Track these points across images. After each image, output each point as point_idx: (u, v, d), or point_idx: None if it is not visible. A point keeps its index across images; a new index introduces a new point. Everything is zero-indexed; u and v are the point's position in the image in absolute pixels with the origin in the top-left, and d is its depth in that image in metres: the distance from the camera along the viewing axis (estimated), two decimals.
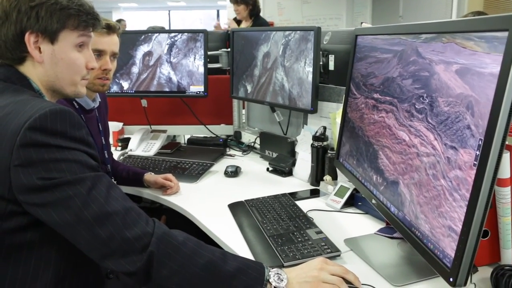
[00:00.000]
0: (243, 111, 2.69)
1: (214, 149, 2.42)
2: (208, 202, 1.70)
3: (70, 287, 1.05)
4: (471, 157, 0.83)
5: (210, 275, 0.98)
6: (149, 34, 2.31)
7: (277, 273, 1.02)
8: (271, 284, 1.00)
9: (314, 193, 1.77)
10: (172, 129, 2.59)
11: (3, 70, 1.06)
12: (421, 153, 1.02)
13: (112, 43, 1.64)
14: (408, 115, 1.10)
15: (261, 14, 4.60)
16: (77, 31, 1.08)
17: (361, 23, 2.34)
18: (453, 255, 0.87)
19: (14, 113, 0.94)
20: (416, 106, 1.05)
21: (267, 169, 2.09)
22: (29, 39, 1.03)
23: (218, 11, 16.10)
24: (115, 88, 2.32)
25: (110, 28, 1.61)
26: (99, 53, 1.60)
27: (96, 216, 0.93)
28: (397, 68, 1.19)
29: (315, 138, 1.82)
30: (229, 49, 2.48)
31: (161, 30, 2.52)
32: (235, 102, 2.61)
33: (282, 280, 1.01)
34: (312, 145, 1.83)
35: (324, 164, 1.80)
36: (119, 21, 10.35)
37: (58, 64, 1.07)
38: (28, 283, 0.98)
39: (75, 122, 0.97)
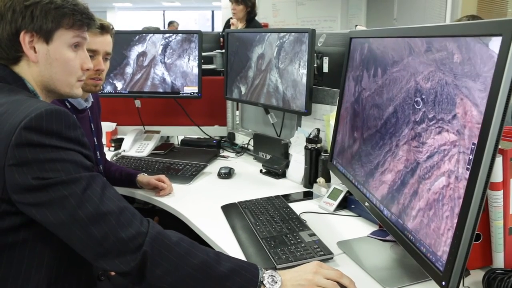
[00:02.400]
0: (237, 113, 2.69)
1: (208, 150, 2.42)
2: (201, 203, 1.69)
3: None
4: (472, 110, 0.83)
5: (204, 276, 0.97)
6: (144, 34, 2.30)
7: (271, 275, 1.01)
8: (265, 286, 0.99)
9: (307, 195, 1.77)
10: (166, 130, 2.59)
11: None
12: (459, 171, 0.86)
13: (105, 43, 1.63)
14: (417, 143, 1.02)
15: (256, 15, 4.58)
16: (72, 31, 1.08)
17: (356, 25, 2.35)
18: (445, 258, 0.87)
19: (9, 113, 0.93)
20: (416, 118, 1.04)
21: (261, 170, 2.09)
22: (24, 39, 1.03)
23: (213, 12, 16.10)
24: (108, 88, 2.31)
25: (103, 28, 1.61)
26: (92, 53, 1.59)
27: (91, 215, 0.93)
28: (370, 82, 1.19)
29: (308, 140, 1.82)
30: (223, 50, 2.48)
31: (155, 31, 2.52)
32: (229, 103, 2.61)
33: (276, 282, 1.00)
34: (305, 147, 1.83)
35: (318, 166, 1.80)
36: (172, 22, 10.25)
37: (52, 64, 1.07)
38: (20, 284, 0.98)
39: (71, 123, 0.97)
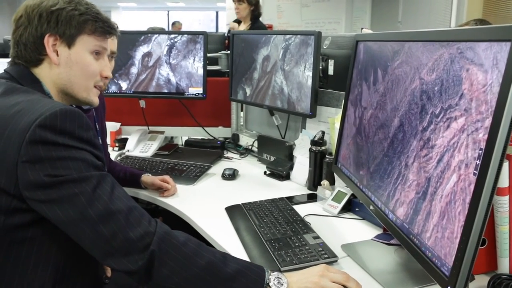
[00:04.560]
0: (241, 114, 2.69)
1: (212, 151, 2.42)
2: (205, 204, 1.70)
3: None
4: (478, 76, 0.84)
5: (210, 276, 0.98)
6: (149, 35, 2.30)
7: (278, 277, 1.02)
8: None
9: (312, 198, 1.77)
10: (170, 131, 2.59)
11: (18, 69, 1.10)
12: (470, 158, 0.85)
13: (110, 42, 1.63)
14: (427, 150, 1.01)
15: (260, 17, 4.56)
16: (94, 37, 1.14)
17: (362, 28, 2.35)
18: (451, 263, 0.87)
19: (25, 111, 0.95)
20: (424, 125, 1.03)
21: (265, 172, 2.09)
22: (48, 42, 1.08)
23: (217, 13, 16.12)
24: (113, 88, 2.32)
25: None
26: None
27: (100, 214, 0.94)
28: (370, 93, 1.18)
29: (313, 142, 1.82)
30: (228, 52, 2.48)
31: (161, 31, 2.52)
32: (233, 104, 2.61)
33: (282, 284, 1.01)
34: (310, 150, 1.83)
35: (322, 168, 1.80)
36: (174, 23, 10.31)
37: (72, 67, 1.12)
38: (26, 281, 0.99)
39: (84, 123, 0.99)
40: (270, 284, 1.00)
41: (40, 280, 1.00)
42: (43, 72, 1.11)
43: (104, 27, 1.16)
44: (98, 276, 1.19)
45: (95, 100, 1.20)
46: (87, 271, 1.11)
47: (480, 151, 0.81)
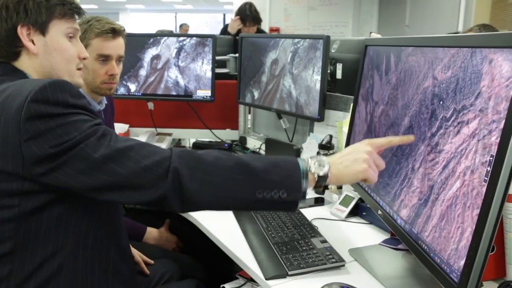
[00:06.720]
0: (249, 117, 2.70)
1: None
2: None
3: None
4: (502, 67, 0.81)
5: (243, 175, 0.97)
6: (158, 37, 2.32)
7: (317, 160, 1.02)
8: (311, 170, 1.00)
9: (319, 202, 1.76)
10: (178, 133, 2.60)
11: (0, 67, 1.09)
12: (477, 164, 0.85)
13: (118, 47, 1.64)
14: (434, 154, 1.02)
15: (267, 19, 4.56)
16: (65, 20, 1.12)
17: (370, 33, 2.35)
18: (460, 270, 0.87)
19: (14, 93, 0.96)
20: (432, 131, 1.03)
21: None
22: (22, 32, 1.07)
23: (224, 15, 16.15)
24: (122, 90, 2.33)
25: (115, 32, 1.61)
26: (105, 58, 1.60)
27: (111, 156, 0.94)
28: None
29: (321, 146, 1.82)
30: (237, 55, 2.49)
31: (169, 34, 2.53)
32: (241, 107, 2.62)
33: (324, 165, 1.01)
34: (317, 153, 1.83)
35: None
36: (182, 25, 10.42)
37: (52, 54, 1.11)
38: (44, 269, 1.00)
39: (75, 92, 0.99)
40: (310, 165, 1.00)
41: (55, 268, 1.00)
42: (24, 65, 1.09)
43: (72, 9, 1.14)
44: (122, 250, 1.18)
45: (81, 81, 1.19)
46: (109, 248, 1.11)
47: (491, 158, 0.81)
